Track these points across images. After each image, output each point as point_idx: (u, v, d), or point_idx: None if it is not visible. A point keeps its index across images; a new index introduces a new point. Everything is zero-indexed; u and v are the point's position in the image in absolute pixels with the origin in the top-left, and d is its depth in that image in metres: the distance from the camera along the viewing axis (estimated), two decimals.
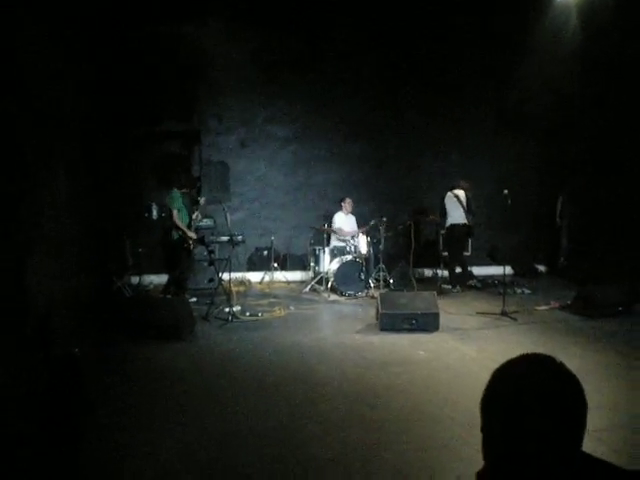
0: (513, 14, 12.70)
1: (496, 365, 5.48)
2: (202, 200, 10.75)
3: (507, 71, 13.44)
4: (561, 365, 1.68)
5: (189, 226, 10.45)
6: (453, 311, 9.84)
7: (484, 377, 5.62)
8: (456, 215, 11.86)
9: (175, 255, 10.50)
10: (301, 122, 13.50)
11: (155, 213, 12.35)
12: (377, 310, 8.74)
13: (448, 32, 13.22)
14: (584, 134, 12.78)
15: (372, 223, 11.85)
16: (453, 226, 11.92)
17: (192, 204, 11.07)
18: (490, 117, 14.11)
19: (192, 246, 10.43)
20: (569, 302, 10.09)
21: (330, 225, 12.29)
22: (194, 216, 10.65)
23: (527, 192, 13.57)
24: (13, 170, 6.40)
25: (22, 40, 6.92)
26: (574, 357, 7.30)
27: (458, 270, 12.09)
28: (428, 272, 13.52)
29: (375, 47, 13.33)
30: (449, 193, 11.95)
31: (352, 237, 11.99)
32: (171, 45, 12.06)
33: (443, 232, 12.41)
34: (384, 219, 11.62)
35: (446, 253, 12.51)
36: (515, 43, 13.10)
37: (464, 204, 11.82)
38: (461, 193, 11.88)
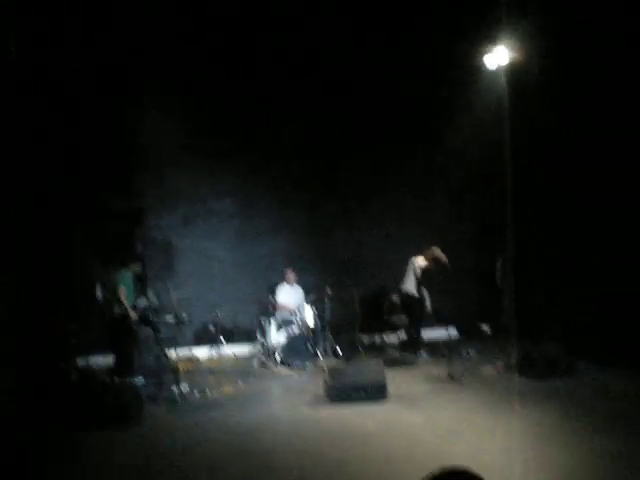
0: (442, 81, 13.18)
1: (445, 433, 5.62)
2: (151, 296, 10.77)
3: (438, 136, 13.83)
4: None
5: (135, 305, 10.42)
6: (400, 378, 9.88)
7: (434, 446, 5.76)
8: (407, 283, 11.98)
9: (120, 334, 10.43)
10: (242, 196, 13.62)
11: (99, 293, 12.23)
12: (325, 382, 8.78)
13: (382, 105, 13.58)
14: (518, 195, 13.14)
15: (311, 297, 12.00)
16: (406, 293, 12.03)
17: (139, 282, 11.07)
18: (429, 179, 14.43)
19: (135, 325, 10.37)
20: (513, 362, 10.27)
21: (274, 297, 12.33)
22: (140, 301, 10.64)
23: (468, 254, 13.86)
24: None
25: None
26: (519, 419, 7.47)
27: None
28: (376, 339, 13.61)
29: (314, 114, 13.59)
30: (411, 258, 12.04)
31: (298, 308, 12.05)
32: (111, 122, 12.17)
33: (395, 298, 12.51)
34: (328, 289, 11.74)
35: (395, 319, 12.63)
36: (445, 107, 13.53)
37: (416, 273, 11.95)
38: (418, 260, 12.00)
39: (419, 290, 11.85)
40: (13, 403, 8.08)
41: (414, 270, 11.85)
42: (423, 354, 11.89)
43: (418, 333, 12.07)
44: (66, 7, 10.12)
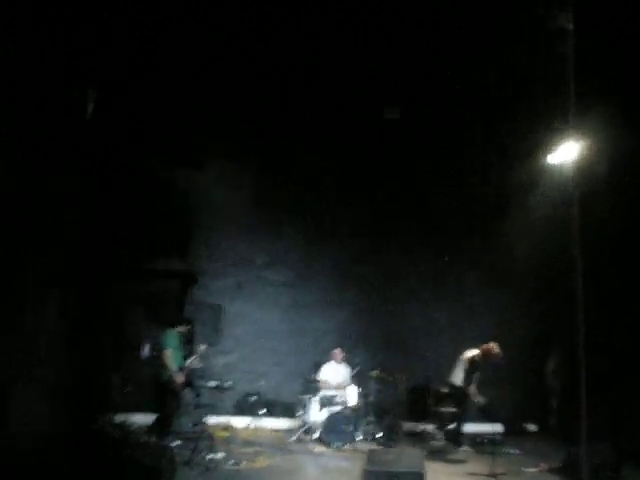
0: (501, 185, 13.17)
1: None
2: (202, 348, 10.70)
3: (499, 228, 13.75)
4: None
5: (181, 368, 10.42)
6: (440, 470, 9.61)
7: None
8: (455, 374, 11.70)
9: (162, 395, 10.42)
10: (297, 267, 13.69)
11: (146, 351, 12.31)
12: (364, 466, 8.54)
13: (438, 192, 13.62)
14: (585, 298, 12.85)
15: (355, 370, 11.84)
16: (453, 385, 11.75)
17: (185, 345, 11.10)
18: (482, 272, 14.30)
19: (178, 389, 10.34)
20: (559, 464, 9.89)
21: (318, 375, 12.19)
22: (189, 361, 10.64)
23: (518, 349, 13.57)
24: (6, 309, 6.45)
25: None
26: None
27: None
28: (419, 426, 13.29)
29: (369, 192, 13.68)
30: (465, 351, 11.76)
31: (342, 388, 11.87)
32: (169, 187, 12.42)
33: (444, 389, 12.26)
34: (375, 371, 11.58)
35: (442, 409, 12.35)
36: (510, 203, 13.49)
37: (465, 366, 11.64)
38: (468, 355, 11.71)
39: (467, 383, 11.53)
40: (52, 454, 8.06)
41: (463, 362, 11.59)
42: (465, 447, 11.54)
43: (461, 427, 11.72)
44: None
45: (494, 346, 11.36)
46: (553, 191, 12.56)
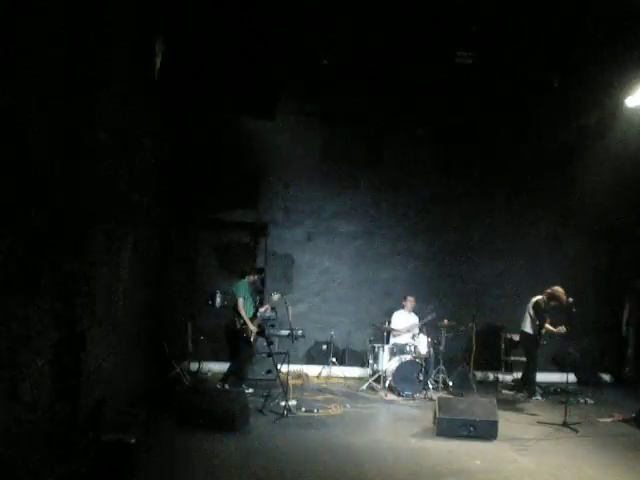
0: (580, 123, 12.81)
1: None
2: (276, 296, 10.79)
3: (574, 175, 13.47)
4: None
5: (254, 316, 10.57)
6: (513, 419, 9.60)
7: None
8: (525, 322, 11.59)
9: (237, 344, 10.61)
10: (366, 217, 13.66)
11: (219, 301, 12.51)
12: (435, 414, 8.57)
13: (511, 130, 13.31)
14: None
15: (429, 318, 11.81)
16: (523, 332, 11.65)
17: (258, 294, 11.25)
18: (555, 222, 14.07)
19: (252, 337, 10.51)
20: (634, 415, 9.77)
21: (389, 323, 12.22)
22: (262, 310, 10.78)
23: (593, 299, 13.37)
24: (78, 251, 6.57)
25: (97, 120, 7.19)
26: (637, 475, 7.05)
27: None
28: (489, 375, 13.28)
29: (439, 142, 13.53)
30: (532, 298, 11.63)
31: (412, 336, 11.89)
32: (241, 138, 12.46)
33: (514, 337, 12.18)
34: (445, 320, 11.55)
35: (512, 358, 12.31)
36: (582, 146, 13.16)
37: (530, 312, 11.52)
38: (533, 300, 11.55)
39: (538, 330, 11.39)
40: (127, 399, 8.29)
41: (529, 308, 11.46)
42: (538, 396, 11.47)
43: (533, 375, 11.62)
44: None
45: (558, 289, 11.20)
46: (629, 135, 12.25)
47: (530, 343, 11.52)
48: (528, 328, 11.45)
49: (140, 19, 8.21)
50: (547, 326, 11.24)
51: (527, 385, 11.61)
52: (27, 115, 4.70)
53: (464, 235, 13.91)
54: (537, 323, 11.28)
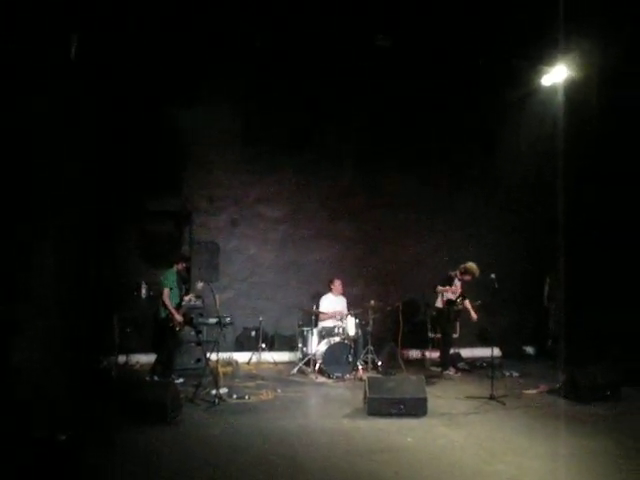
0: (498, 98, 13.11)
1: (485, 453, 5.47)
2: (200, 285, 10.69)
3: (492, 151, 13.78)
4: None
5: (178, 306, 10.46)
6: (441, 395, 9.77)
7: (472, 465, 5.64)
8: (437, 298, 11.91)
9: (163, 334, 10.50)
10: (291, 202, 13.65)
11: (144, 292, 12.34)
12: (365, 394, 8.66)
13: (432, 112, 13.52)
14: (568, 216, 12.88)
15: (355, 308, 11.97)
16: (436, 308, 11.97)
17: (184, 283, 11.14)
18: (476, 200, 14.36)
19: (178, 327, 10.41)
20: (558, 385, 10.07)
21: (317, 307, 12.28)
22: (187, 298, 10.67)
23: (515, 274, 13.71)
24: (4, 242, 6.42)
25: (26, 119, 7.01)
26: (564, 443, 7.28)
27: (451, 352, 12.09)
28: (416, 353, 13.50)
29: (361, 129, 13.61)
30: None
31: (340, 319, 11.97)
32: (160, 125, 12.28)
33: (433, 313, 12.41)
34: (372, 301, 11.65)
35: (435, 335, 12.55)
36: (502, 127, 13.45)
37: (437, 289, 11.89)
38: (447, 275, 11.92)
39: (449, 306, 11.71)
40: (55, 394, 8.13)
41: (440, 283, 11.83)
42: (449, 371, 11.74)
43: (446, 349, 11.92)
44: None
45: (471, 264, 11.62)
46: (543, 114, 12.59)
47: (442, 318, 11.84)
48: (439, 303, 11.78)
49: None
50: (439, 288, 11.60)
51: (449, 360, 11.89)
52: None
53: (387, 216, 14.04)
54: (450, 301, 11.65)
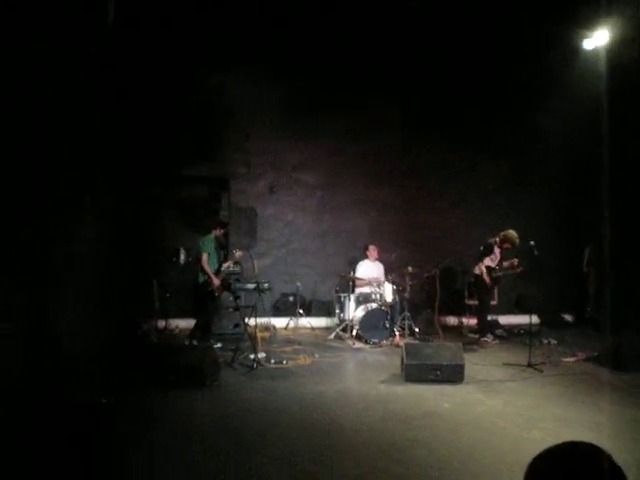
0: (538, 65, 12.85)
1: (522, 420, 5.46)
2: (238, 253, 10.76)
3: (529, 121, 13.58)
4: (604, 460, 1.59)
5: (217, 272, 10.56)
6: (478, 362, 9.76)
7: (509, 432, 5.62)
8: (476, 265, 11.83)
9: (201, 299, 10.62)
10: (328, 168, 13.62)
11: (183, 257, 12.46)
12: (402, 360, 8.69)
13: (470, 82, 13.33)
14: (610, 184, 12.68)
15: (392, 274, 11.94)
16: (475, 275, 11.90)
17: (222, 249, 11.23)
18: (516, 169, 14.21)
19: (217, 292, 10.51)
20: (596, 354, 10.02)
21: (354, 272, 12.30)
22: (225, 265, 10.76)
23: (553, 241, 13.56)
24: (41, 213, 6.49)
25: (54, 89, 7.05)
26: (602, 412, 7.24)
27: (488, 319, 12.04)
28: (453, 320, 13.50)
29: (400, 95, 13.48)
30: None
31: (378, 285, 11.98)
32: (200, 91, 12.32)
33: (471, 280, 12.36)
34: (409, 268, 11.64)
35: (473, 301, 12.52)
36: (539, 95, 13.23)
37: (480, 254, 11.80)
38: (488, 242, 11.81)
39: (490, 273, 11.63)
40: (97, 358, 8.26)
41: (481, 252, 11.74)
42: (486, 337, 11.69)
43: (483, 315, 11.86)
44: None
45: (511, 231, 11.46)
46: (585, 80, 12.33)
47: (480, 285, 11.77)
48: (477, 270, 11.71)
49: None
50: (485, 262, 11.50)
51: (486, 327, 11.85)
52: None
53: (424, 183, 14.00)
54: (479, 259, 11.57)
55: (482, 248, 11.72)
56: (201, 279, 10.53)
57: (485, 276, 11.55)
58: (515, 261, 11.57)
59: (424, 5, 10.67)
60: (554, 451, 1.66)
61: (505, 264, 11.68)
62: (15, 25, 5.68)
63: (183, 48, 11.70)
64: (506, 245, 11.58)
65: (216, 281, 10.49)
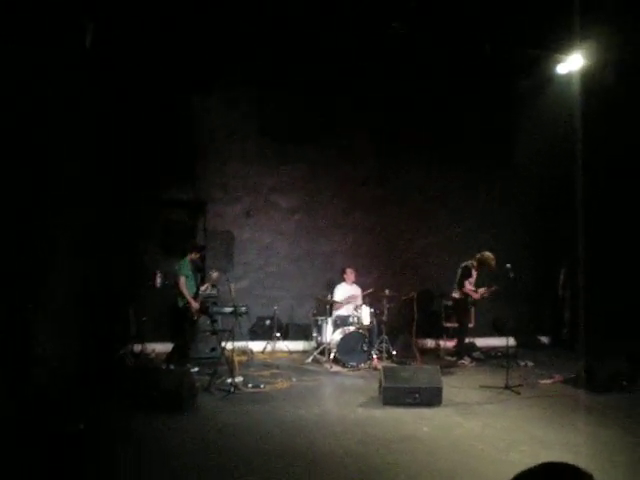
0: (513, 86, 13.06)
1: (501, 443, 5.49)
2: (215, 275, 10.76)
3: (507, 143, 13.73)
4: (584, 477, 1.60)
5: (195, 295, 10.52)
6: (456, 384, 9.77)
7: (488, 455, 5.64)
8: (455, 288, 11.92)
9: (180, 323, 10.57)
10: (305, 192, 13.66)
11: (159, 281, 12.39)
12: (380, 383, 8.68)
13: (448, 103, 13.48)
14: (584, 205, 12.81)
15: (371, 290, 11.96)
16: (452, 298, 12.00)
17: (198, 272, 11.19)
18: (491, 190, 14.34)
19: (195, 316, 10.48)
20: (573, 375, 10.07)
21: (332, 296, 12.30)
22: (203, 287, 10.76)
23: (529, 264, 13.67)
24: (18, 234, 6.45)
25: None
26: (580, 433, 7.28)
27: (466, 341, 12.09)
28: (431, 343, 13.53)
29: (373, 118, 13.57)
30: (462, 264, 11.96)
31: (355, 308, 11.99)
32: (176, 114, 12.34)
33: (449, 303, 12.41)
34: (386, 291, 11.66)
35: (451, 324, 12.57)
36: (517, 115, 13.40)
37: (457, 276, 11.87)
38: (462, 265, 11.88)
39: (466, 296, 11.71)
40: (72, 383, 8.19)
41: (458, 273, 11.80)
42: (464, 360, 11.73)
43: (462, 338, 11.92)
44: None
45: (487, 253, 11.58)
46: (559, 103, 12.49)
47: (459, 308, 11.84)
48: (456, 293, 11.78)
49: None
50: (467, 287, 11.58)
51: (463, 350, 11.90)
52: None
53: (401, 207, 14.05)
54: (459, 283, 11.63)
55: (460, 271, 11.79)
56: (180, 303, 10.49)
57: (475, 294, 11.62)
58: (492, 288, 11.66)
59: (402, 28, 10.77)
60: (536, 471, 1.67)
61: (481, 290, 11.75)
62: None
63: (161, 71, 11.73)
64: (483, 267, 11.66)
65: (195, 305, 10.46)
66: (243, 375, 9.88)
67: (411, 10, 10.26)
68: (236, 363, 9.90)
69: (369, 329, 11.74)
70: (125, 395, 8.15)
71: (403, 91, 13.13)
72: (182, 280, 10.43)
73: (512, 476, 1.70)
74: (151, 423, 7.40)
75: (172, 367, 10.01)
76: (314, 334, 12.34)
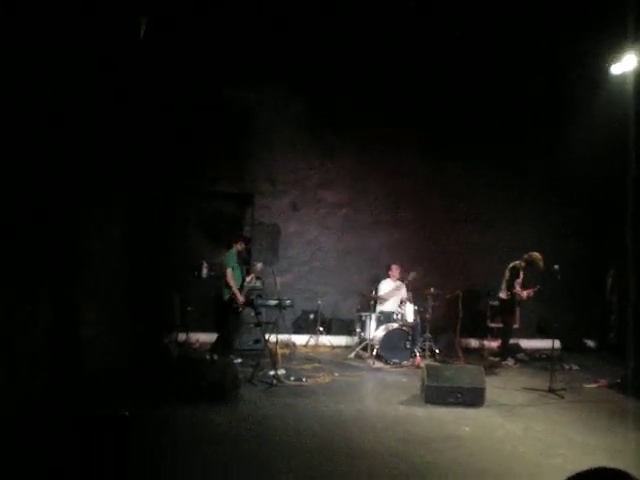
0: (566, 87, 12.85)
1: (542, 446, 5.43)
2: (259, 266, 10.84)
3: (557, 143, 13.53)
4: None
5: (241, 287, 10.59)
6: (499, 385, 9.69)
7: (530, 458, 5.56)
8: (501, 288, 11.78)
9: (225, 314, 10.64)
10: (352, 188, 13.65)
11: (205, 272, 12.52)
12: (422, 381, 8.65)
13: (498, 103, 13.33)
14: (634, 207, 12.58)
15: (414, 274, 11.89)
16: (499, 298, 11.86)
17: (244, 264, 11.26)
18: (540, 190, 14.14)
19: (240, 308, 10.55)
20: (618, 380, 9.92)
21: (376, 291, 12.28)
22: (248, 279, 10.82)
23: (577, 266, 13.48)
24: (67, 222, 6.55)
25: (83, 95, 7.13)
26: (623, 440, 7.16)
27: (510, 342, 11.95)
28: (474, 342, 13.42)
29: (424, 113, 13.48)
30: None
31: (399, 304, 11.95)
32: (227, 109, 12.43)
33: (495, 303, 12.28)
34: (432, 289, 11.61)
35: (495, 324, 12.44)
36: (568, 115, 13.20)
37: (506, 277, 11.71)
38: (510, 265, 11.72)
39: (511, 294, 11.56)
40: (118, 372, 8.30)
41: (505, 273, 11.65)
42: (509, 363, 11.61)
43: (506, 339, 11.79)
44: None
45: (535, 254, 11.39)
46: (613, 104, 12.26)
47: (505, 308, 11.70)
48: (502, 293, 11.65)
49: None
50: (517, 288, 11.43)
51: (508, 351, 11.78)
52: None
53: (449, 203, 13.95)
54: (507, 286, 11.49)
55: (508, 272, 11.63)
56: (226, 295, 10.54)
57: (523, 295, 11.49)
58: (536, 288, 11.51)
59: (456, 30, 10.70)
60: (588, 475, 1.66)
61: (528, 291, 11.59)
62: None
63: (211, 65, 11.82)
64: (531, 268, 11.51)
65: (240, 297, 10.52)
66: (285, 368, 9.95)
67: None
68: (279, 356, 9.97)
69: (413, 326, 11.69)
70: (169, 384, 8.23)
71: (453, 89, 13.00)
72: (229, 272, 10.48)
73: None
74: (193, 412, 7.47)
75: (216, 358, 10.10)
76: (357, 329, 12.35)
